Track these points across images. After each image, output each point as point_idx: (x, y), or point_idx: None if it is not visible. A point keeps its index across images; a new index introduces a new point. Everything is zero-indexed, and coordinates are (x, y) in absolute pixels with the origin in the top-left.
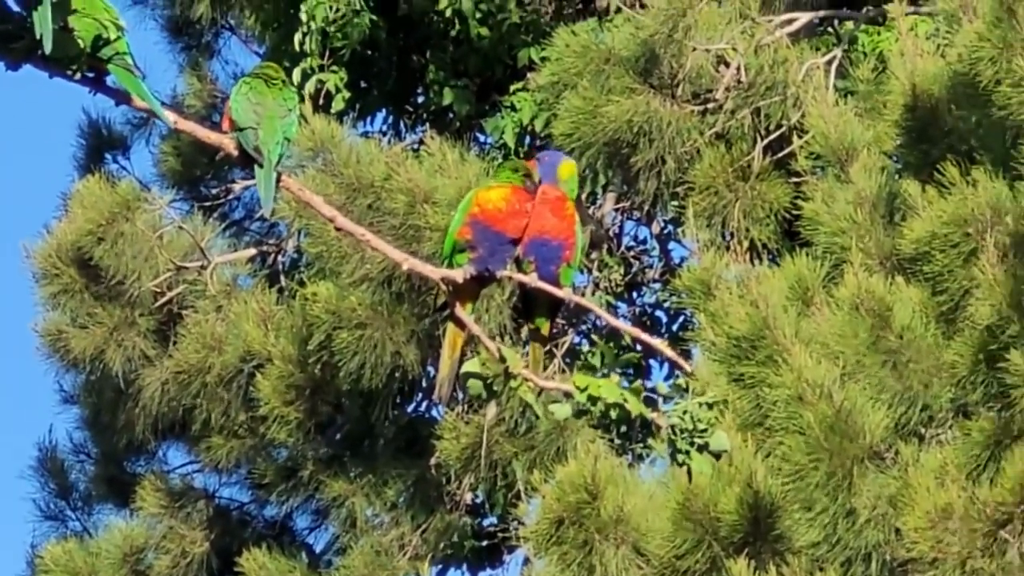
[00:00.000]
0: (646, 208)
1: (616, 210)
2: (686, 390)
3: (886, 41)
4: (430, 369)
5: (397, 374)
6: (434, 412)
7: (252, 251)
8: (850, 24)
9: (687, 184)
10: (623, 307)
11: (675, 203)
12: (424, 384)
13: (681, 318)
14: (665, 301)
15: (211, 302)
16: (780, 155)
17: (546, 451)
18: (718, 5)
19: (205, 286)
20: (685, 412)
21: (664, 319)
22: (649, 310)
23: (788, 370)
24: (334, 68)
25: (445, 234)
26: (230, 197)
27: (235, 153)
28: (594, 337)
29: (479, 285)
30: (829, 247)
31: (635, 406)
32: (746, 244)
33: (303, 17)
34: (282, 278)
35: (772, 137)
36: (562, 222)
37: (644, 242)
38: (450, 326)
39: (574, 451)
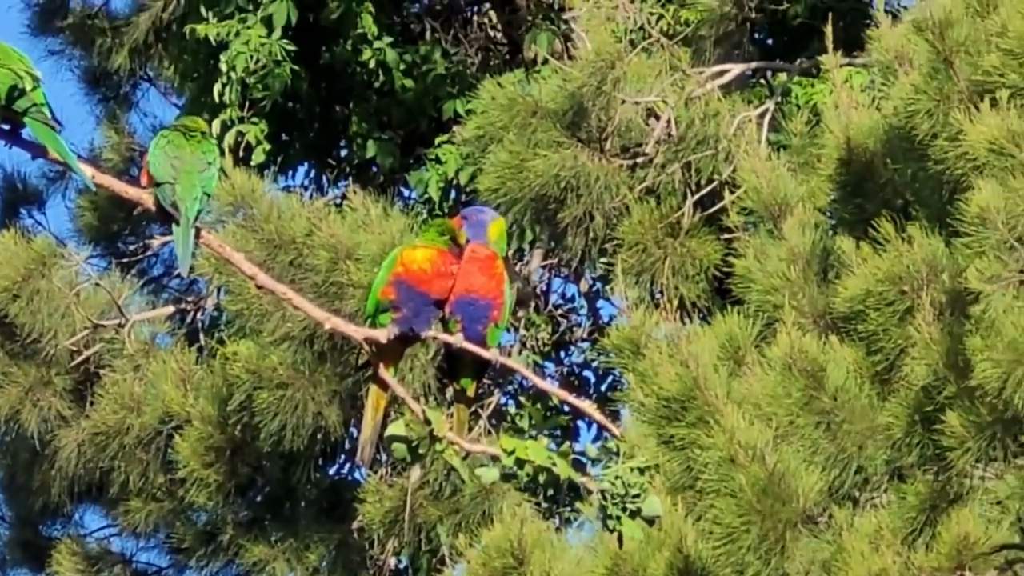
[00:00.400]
0: (574, 265)
1: (543, 267)
2: (616, 453)
3: (820, 93)
4: (352, 431)
5: (319, 435)
6: (357, 475)
7: (171, 309)
8: (783, 76)
9: (616, 240)
10: (550, 367)
11: (604, 260)
12: (347, 446)
13: (610, 378)
14: (593, 361)
15: (129, 361)
16: (711, 211)
17: (471, 515)
18: (648, 57)
19: (123, 345)
20: (617, 477)
21: (592, 379)
22: (577, 370)
23: (719, 431)
24: (254, 120)
25: (368, 292)
26: (148, 253)
27: (153, 208)
28: (521, 398)
29: (403, 345)
30: (761, 305)
31: (564, 470)
32: (676, 302)
33: (223, 67)
34: (202, 337)
35: (703, 192)
36: (490, 281)
37: (572, 300)
38: (373, 387)
39: (500, 515)
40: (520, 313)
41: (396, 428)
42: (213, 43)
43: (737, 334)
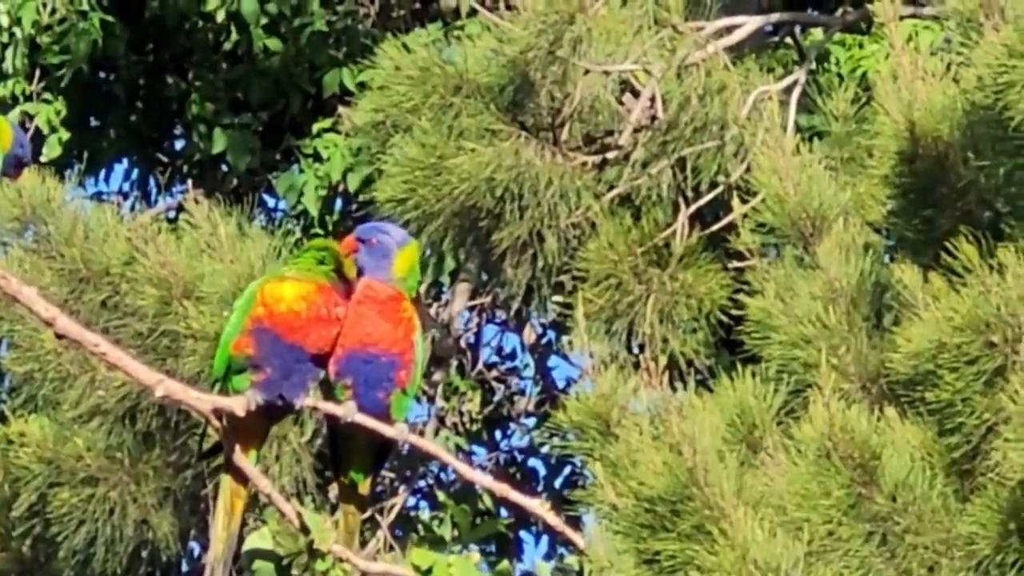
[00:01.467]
0: (515, 307)
1: (471, 309)
2: (580, 574)
3: (871, 58)
4: (193, 546)
5: (144, 553)
6: None
7: None
8: (818, 33)
9: (576, 272)
10: (481, 453)
11: (558, 299)
12: (185, 567)
13: (567, 469)
14: (543, 444)
15: None
16: (714, 228)
17: None
18: (622, 6)
19: None
20: None
21: (542, 470)
22: (520, 457)
23: (727, 546)
24: (47, 97)
25: (217, 346)
26: None
27: None
28: (440, 497)
29: (268, 419)
30: (787, 364)
31: None
32: (664, 360)
33: (3, 21)
34: None
35: (703, 202)
36: (395, 328)
37: (513, 356)
38: (226, 480)
39: None
40: (437, 375)
41: (259, 540)
42: None
43: (752, 406)
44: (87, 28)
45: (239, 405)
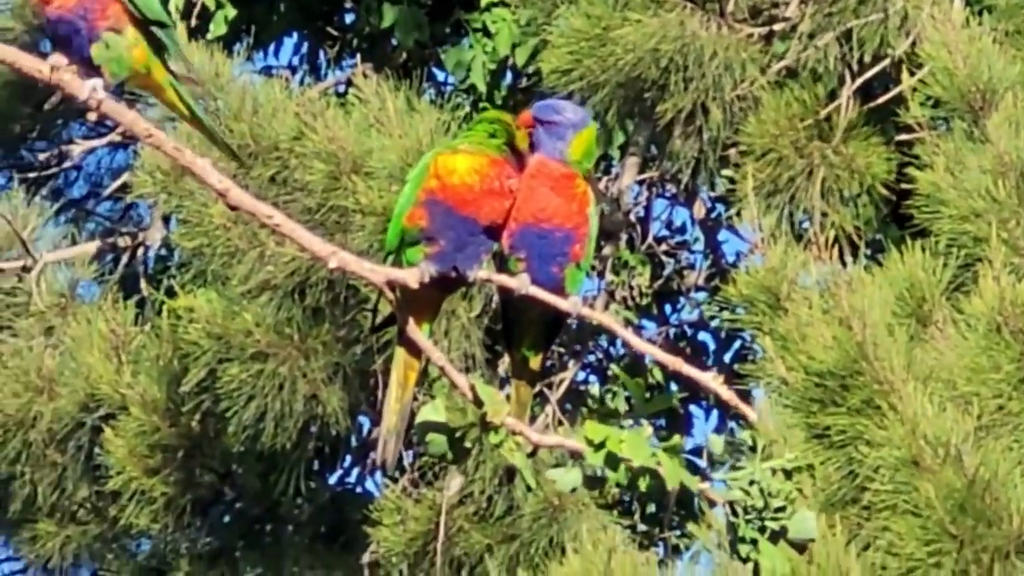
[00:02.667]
0: (684, 180)
1: (640, 183)
2: (752, 449)
3: None
4: (363, 420)
5: (313, 428)
6: (369, 485)
7: (98, 245)
8: None
9: (742, 146)
10: (651, 327)
11: (727, 173)
12: (354, 443)
13: (737, 343)
14: (713, 318)
15: (37, 321)
16: (880, 101)
17: (534, 542)
18: None
19: (28, 297)
20: (752, 482)
21: (712, 344)
22: (690, 331)
23: (897, 421)
24: None
25: (390, 218)
26: (65, 165)
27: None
28: (612, 371)
29: (441, 292)
30: (956, 238)
31: (673, 472)
32: (831, 234)
33: None
34: (143, 286)
35: (868, 75)
36: (568, 203)
37: (682, 231)
38: (399, 353)
39: (576, 542)
40: (607, 250)
41: (432, 412)
42: None
43: (921, 280)
44: None
45: (413, 277)
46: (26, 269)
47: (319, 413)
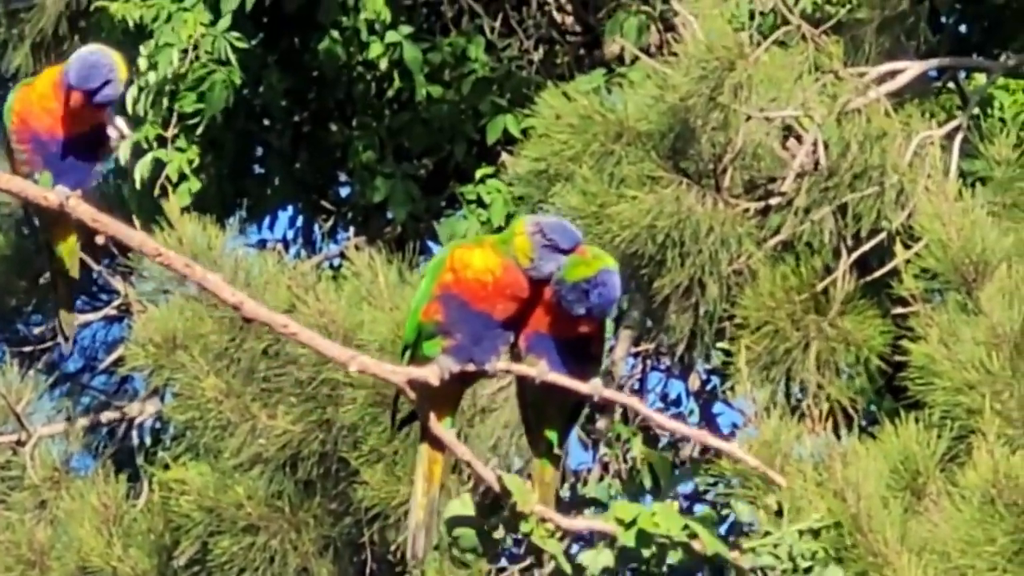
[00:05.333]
0: (679, 353)
1: (635, 355)
2: (779, 513)
3: None
4: None
5: None
6: None
7: (92, 419)
8: (981, 78)
9: (738, 319)
10: (647, 498)
11: (722, 346)
12: None
13: (731, 516)
14: (707, 491)
15: (31, 494)
16: (876, 275)
17: None
18: (784, 52)
19: (22, 470)
20: (779, 545)
21: None
22: (685, 503)
23: None
24: (181, 145)
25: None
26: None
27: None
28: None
29: (461, 384)
30: (950, 410)
31: (709, 543)
32: (825, 407)
33: (140, 64)
34: (137, 459)
35: (864, 248)
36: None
37: (677, 403)
38: (423, 448)
39: None
40: (601, 423)
41: (460, 507)
42: (132, 29)
43: (915, 452)
44: (223, 78)
45: (433, 375)
46: (20, 443)
47: None
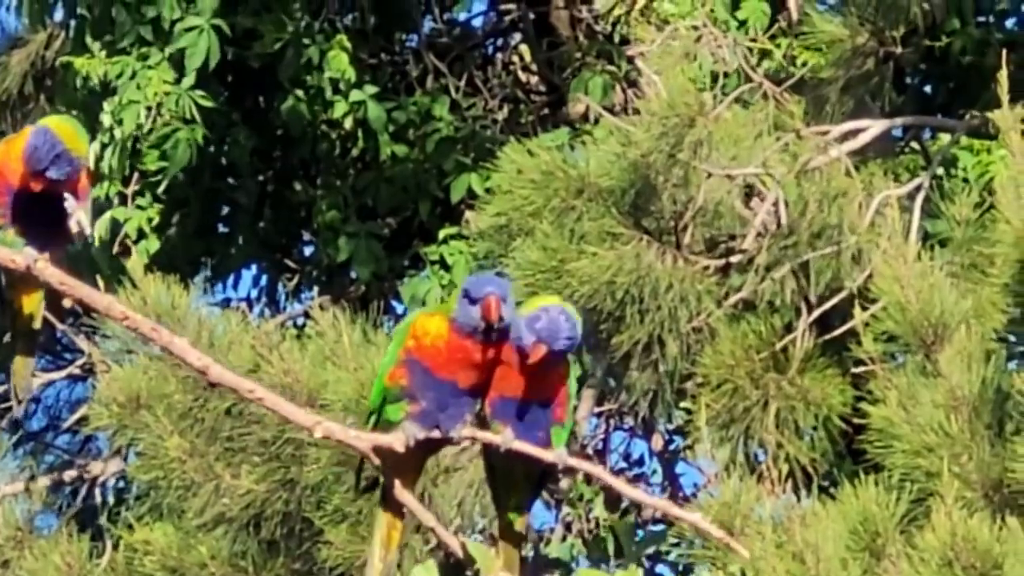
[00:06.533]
0: (641, 413)
1: (598, 415)
2: None
3: (998, 163)
4: None
5: None
6: None
7: (55, 478)
8: (945, 137)
9: (698, 377)
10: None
11: (685, 404)
12: None
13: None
14: (668, 552)
15: None
16: (834, 334)
17: None
18: (744, 110)
19: None
20: None
21: None
22: (648, 564)
23: None
24: (141, 203)
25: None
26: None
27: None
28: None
29: (426, 452)
30: (909, 472)
31: None
32: (784, 468)
33: (104, 121)
34: (100, 519)
35: (824, 308)
36: (544, 380)
37: (640, 462)
38: (381, 515)
39: None
40: (564, 483)
41: (423, 573)
42: (97, 86)
43: (874, 514)
44: (187, 136)
45: (399, 442)
46: None
47: None
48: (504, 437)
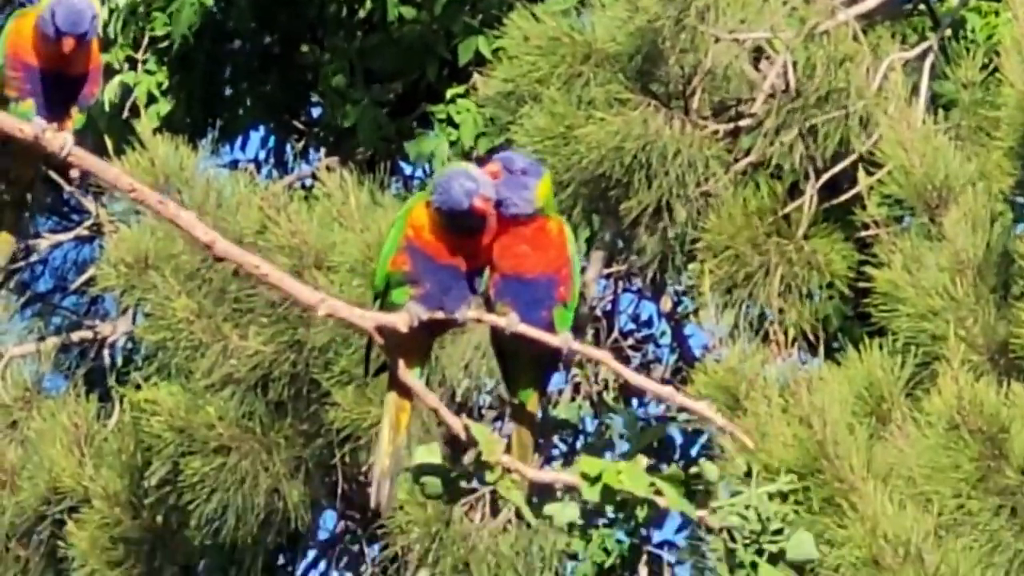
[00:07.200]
0: (650, 275)
1: (606, 277)
2: (748, 474)
3: (1006, 25)
4: (326, 516)
5: (275, 520)
6: None
7: (63, 339)
8: (954, 0)
9: (703, 242)
10: (619, 421)
11: (694, 267)
12: (316, 537)
13: (703, 437)
14: (674, 418)
15: (2, 414)
16: (842, 198)
17: None
18: None
19: None
20: (747, 506)
21: (679, 439)
22: (660, 419)
23: (857, 520)
24: (151, 67)
25: (378, 262)
26: (32, 259)
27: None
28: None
29: (431, 334)
30: (915, 336)
31: (673, 501)
32: (791, 332)
33: None
34: (108, 379)
35: (832, 172)
36: (547, 252)
37: (649, 324)
38: (390, 396)
39: None
40: None
41: (427, 455)
42: None
43: (880, 378)
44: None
45: (403, 321)
46: None
47: (280, 507)
48: (509, 320)
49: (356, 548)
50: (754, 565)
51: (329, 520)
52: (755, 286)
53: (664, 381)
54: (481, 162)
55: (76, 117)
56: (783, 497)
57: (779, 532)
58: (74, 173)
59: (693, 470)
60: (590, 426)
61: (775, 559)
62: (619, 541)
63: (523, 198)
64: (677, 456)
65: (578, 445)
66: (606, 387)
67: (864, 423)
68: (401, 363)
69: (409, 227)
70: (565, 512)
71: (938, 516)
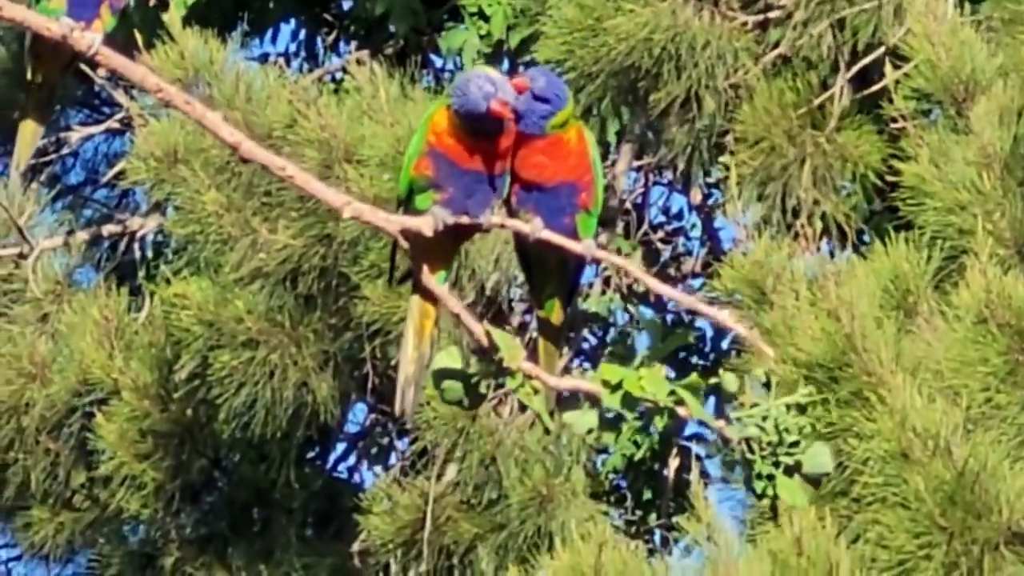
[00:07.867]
0: (680, 167)
1: (636, 170)
2: (767, 385)
3: None
4: (358, 409)
5: (304, 414)
6: (361, 473)
7: (93, 232)
8: None
9: (735, 134)
10: (648, 313)
11: (724, 159)
12: (345, 431)
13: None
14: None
15: (32, 307)
16: (869, 92)
17: (523, 531)
18: None
19: (24, 284)
20: (766, 418)
21: (709, 332)
22: (687, 318)
23: (885, 414)
24: None
25: (401, 168)
26: (63, 152)
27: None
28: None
29: (456, 239)
30: (942, 229)
31: (694, 409)
32: (819, 225)
33: None
34: (138, 273)
35: (861, 64)
36: (566, 161)
37: (679, 216)
38: (415, 301)
39: (565, 532)
40: (603, 237)
41: (447, 359)
42: None
43: (907, 272)
44: None
45: (427, 225)
46: (23, 256)
47: (309, 401)
48: (533, 226)
49: (386, 441)
50: (771, 477)
51: (359, 413)
52: (789, 177)
53: (694, 274)
54: (512, 72)
55: (107, 19)
56: (801, 409)
57: (796, 444)
58: (102, 72)
59: (713, 380)
60: (620, 319)
61: (791, 471)
62: (649, 434)
63: (538, 124)
64: (708, 348)
65: (608, 338)
66: (636, 281)
67: (892, 317)
68: (425, 268)
69: (431, 132)
70: (583, 420)
71: (967, 409)
